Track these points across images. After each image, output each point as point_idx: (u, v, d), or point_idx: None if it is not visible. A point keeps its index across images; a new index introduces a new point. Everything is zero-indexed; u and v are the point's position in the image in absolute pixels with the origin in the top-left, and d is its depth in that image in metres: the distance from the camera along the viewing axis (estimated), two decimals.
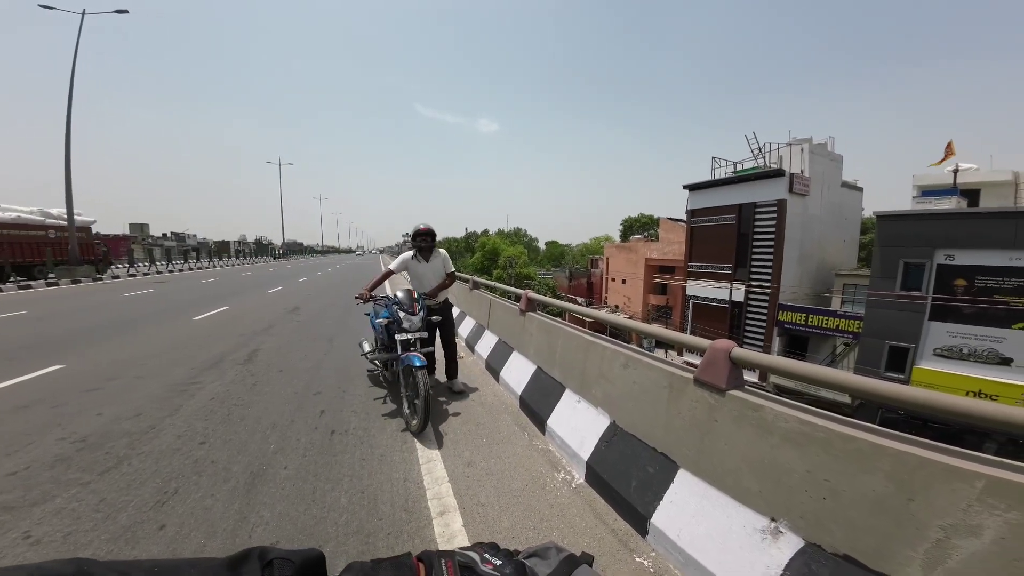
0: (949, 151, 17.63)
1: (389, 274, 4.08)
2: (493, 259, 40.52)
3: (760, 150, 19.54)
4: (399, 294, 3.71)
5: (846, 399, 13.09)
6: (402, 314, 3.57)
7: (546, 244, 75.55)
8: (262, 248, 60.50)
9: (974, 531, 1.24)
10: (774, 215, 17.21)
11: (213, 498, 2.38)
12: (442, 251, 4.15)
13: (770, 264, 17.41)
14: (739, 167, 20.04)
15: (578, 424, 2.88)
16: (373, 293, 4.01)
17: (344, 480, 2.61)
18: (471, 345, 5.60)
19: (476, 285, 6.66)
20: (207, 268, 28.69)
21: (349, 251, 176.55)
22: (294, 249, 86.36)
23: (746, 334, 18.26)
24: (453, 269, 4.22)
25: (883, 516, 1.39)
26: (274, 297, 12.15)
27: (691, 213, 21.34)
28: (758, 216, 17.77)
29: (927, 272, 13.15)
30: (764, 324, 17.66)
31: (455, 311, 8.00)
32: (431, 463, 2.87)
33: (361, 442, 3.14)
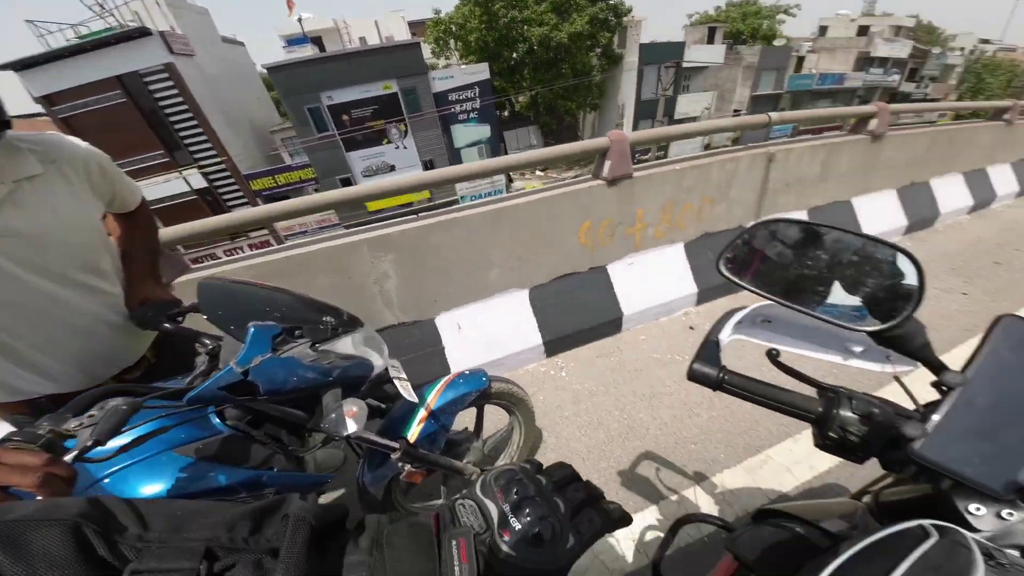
0: (290, 2, 20.24)
1: None
2: None
3: (103, 7, 15.07)
4: None
5: None
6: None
7: None
8: None
9: (387, 275, 1.98)
10: (170, 82, 15.01)
11: None
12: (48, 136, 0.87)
13: (204, 136, 16.07)
14: (81, 31, 15.16)
15: None
16: None
17: None
18: None
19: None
20: None
21: None
22: None
23: None
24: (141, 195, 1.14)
25: None
26: None
27: (49, 100, 14.83)
28: (153, 87, 14.98)
29: (324, 113, 16.49)
30: (245, 199, 17.40)
31: None
32: None
33: None
